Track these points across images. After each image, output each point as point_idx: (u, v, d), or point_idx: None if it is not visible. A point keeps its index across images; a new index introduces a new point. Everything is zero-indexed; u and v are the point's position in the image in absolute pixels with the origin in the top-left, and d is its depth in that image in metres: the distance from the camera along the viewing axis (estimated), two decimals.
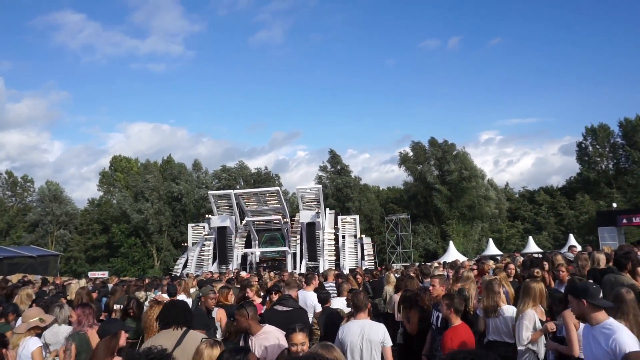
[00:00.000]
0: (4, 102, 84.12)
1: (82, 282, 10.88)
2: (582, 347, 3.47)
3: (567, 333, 4.15)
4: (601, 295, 3.14)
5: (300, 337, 2.50)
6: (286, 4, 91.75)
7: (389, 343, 4.48)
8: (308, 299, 7.15)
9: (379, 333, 4.44)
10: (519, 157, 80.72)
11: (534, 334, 4.69)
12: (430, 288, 5.89)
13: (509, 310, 5.20)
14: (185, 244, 37.91)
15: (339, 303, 6.79)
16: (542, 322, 4.82)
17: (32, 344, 4.50)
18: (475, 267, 9.85)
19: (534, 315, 4.77)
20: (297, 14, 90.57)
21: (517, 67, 79.89)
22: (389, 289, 9.49)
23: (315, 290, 7.50)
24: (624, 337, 2.97)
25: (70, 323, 5.25)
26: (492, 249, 35.87)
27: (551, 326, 4.67)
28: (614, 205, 40.32)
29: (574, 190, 50.47)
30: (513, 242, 46.25)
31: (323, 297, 6.59)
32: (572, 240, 33.29)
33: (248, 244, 34.73)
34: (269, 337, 3.89)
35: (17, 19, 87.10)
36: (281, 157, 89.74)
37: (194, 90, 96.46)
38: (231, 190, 36.61)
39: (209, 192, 37.92)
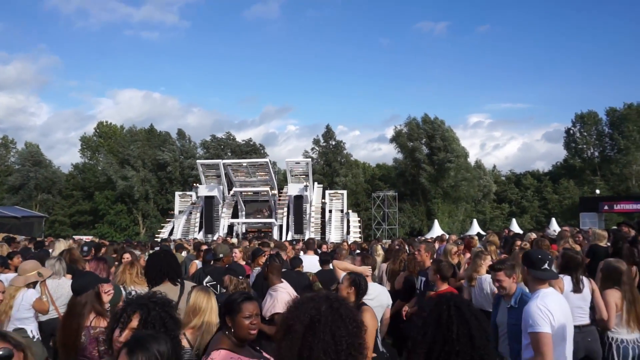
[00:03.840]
0: None
1: (70, 242, 10.80)
2: None
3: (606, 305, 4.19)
4: (545, 266, 3.20)
5: (252, 307, 2.49)
6: None
7: None
8: (311, 263, 7.38)
9: None
10: (506, 142, 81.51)
11: None
12: (416, 253, 5.99)
13: (487, 279, 5.28)
14: (172, 212, 37.85)
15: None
16: None
17: (30, 294, 4.48)
18: (459, 241, 10.03)
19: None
20: None
21: (508, 55, 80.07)
22: (377, 259, 9.66)
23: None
24: (531, 309, 2.98)
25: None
26: (475, 230, 36.43)
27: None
28: (597, 192, 41.11)
29: (559, 175, 51.25)
30: (496, 224, 47.01)
31: (324, 259, 6.87)
32: (554, 223, 33.94)
33: (235, 214, 34.76)
34: (282, 291, 4.27)
35: None
36: (271, 131, 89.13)
37: (187, 61, 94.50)
38: (220, 160, 36.40)
39: (198, 161, 37.66)
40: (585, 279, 4.24)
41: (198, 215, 34.89)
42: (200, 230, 33.71)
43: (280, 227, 33.89)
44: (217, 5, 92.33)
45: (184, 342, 2.78)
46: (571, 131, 52.06)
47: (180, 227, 34.40)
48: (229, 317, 2.53)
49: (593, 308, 4.17)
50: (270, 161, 39.38)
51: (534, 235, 8.74)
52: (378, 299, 4.42)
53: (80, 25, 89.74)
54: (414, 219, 47.76)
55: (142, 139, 52.90)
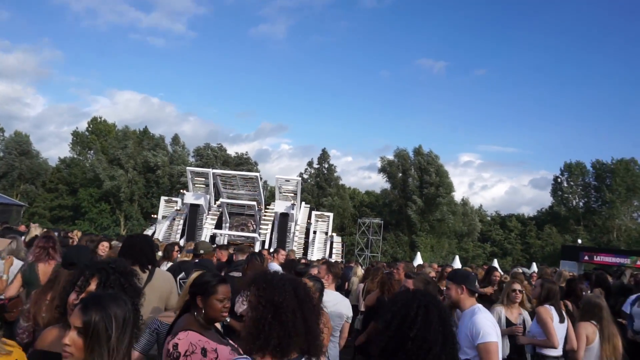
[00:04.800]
0: None
1: (43, 230, 10.56)
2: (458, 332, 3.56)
3: (545, 327, 4.25)
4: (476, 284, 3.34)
5: (226, 290, 2.46)
6: (292, 2, 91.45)
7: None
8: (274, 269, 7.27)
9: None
10: (494, 183, 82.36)
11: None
12: (394, 271, 5.98)
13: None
14: (155, 216, 37.36)
15: None
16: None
17: None
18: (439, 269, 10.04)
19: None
20: (302, 13, 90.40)
21: (503, 99, 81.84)
22: (355, 280, 9.62)
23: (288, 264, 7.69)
24: (481, 320, 3.02)
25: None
26: (457, 266, 36.47)
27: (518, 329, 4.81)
28: (579, 241, 41.53)
29: (543, 221, 51.76)
30: (478, 263, 47.09)
31: (299, 270, 6.77)
32: (534, 268, 34.12)
33: (218, 225, 34.39)
34: None
35: None
36: (264, 147, 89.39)
37: (189, 70, 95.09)
38: (210, 169, 36.23)
39: (187, 168, 37.41)
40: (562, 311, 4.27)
41: (181, 222, 34.45)
42: (181, 237, 33.22)
43: (263, 242, 33.55)
44: (225, 20, 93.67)
45: None
46: (559, 179, 52.94)
47: (162, 232, 33.90)
48: (201, 298, 2.47)
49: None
50: (260, 176, 39.31)
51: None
52: (337, 307, 4.47)
53: (88, 23, 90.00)
54: (397, 249, 47.75)
55: (135, 140, 52.63)
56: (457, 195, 51.82)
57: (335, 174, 53.98)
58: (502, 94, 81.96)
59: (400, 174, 50.25)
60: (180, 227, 34.24)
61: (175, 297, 3.46)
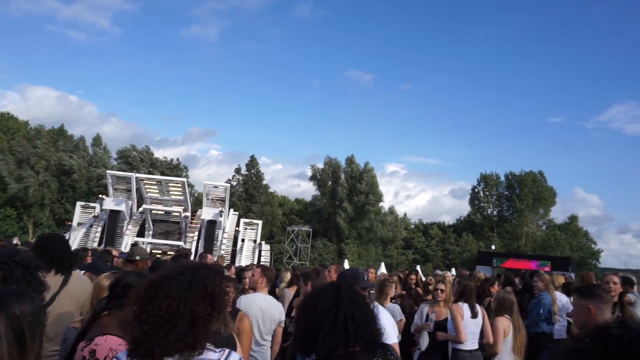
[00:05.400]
0: None
1: None
2: None
3: (454, 323, 4.50)
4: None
5: None
6: (225, 5, 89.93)
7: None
8: None
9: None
10: (417, 193, 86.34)
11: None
12: (326, 273, 6.05)
13: (394, 307, 5.55)
14: (70, 223, 34.75)
15: None
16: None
17: None
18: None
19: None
20: (235, 18, 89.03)
21: (426, 113, 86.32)
22: (283, 285, 9.60)
23: None
24: (381, 321, 3.22)
25: None
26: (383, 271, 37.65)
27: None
28: (493, 247, 44.65)
29: (462, 229, 55.02)
30: (401, 269, 48.96)
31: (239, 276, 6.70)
32: (453, 272, 36.09)
33: (141, 233, 32.74)
34: None
35: None
36: (192, 153, 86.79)
37: (112, 68, 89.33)
38: (133, 173, 34.49)
39: (108, 172, 35.26)
40: (478, 306, 4.56)
41: (99, 229, 32.35)
42: (99, 245, 31.19)
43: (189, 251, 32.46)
44: (154, 18, 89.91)
45: None
46: (476, 189, 56.67)
47: (77, 240, 31.51)
48: (122, 300, 2.33)
49: (482, 333, 4.47)
50: (187, 182, 38.05)
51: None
52: (270, 310, 4.48)
53: None
54: (325, 256, 48.30)
55: (49, 139, 48.73)
56: (384, 204, 53.73)
57: (264, 182, 53.68)
58: (425, 108, 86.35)
59: (330, 182, 51.09)
60: (98, 234, 32.09)
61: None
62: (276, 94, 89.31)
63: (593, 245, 52.65)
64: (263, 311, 4.35)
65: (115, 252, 7.86)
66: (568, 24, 76.91)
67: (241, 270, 7.41)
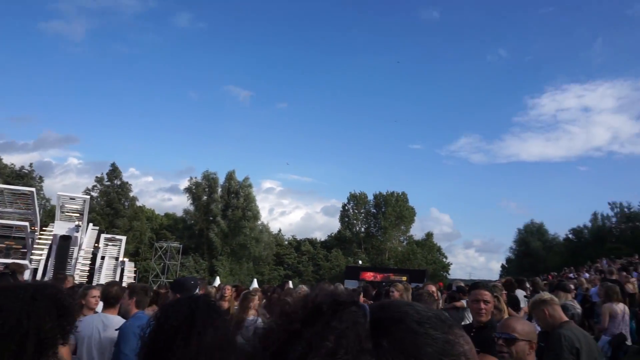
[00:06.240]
0: None
1: None
2: None
3: None
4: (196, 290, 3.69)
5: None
6: (96, 4, 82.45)
7: None
8: None
9: None
10: (292, 210, 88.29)
11: None
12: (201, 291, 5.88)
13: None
14: None
15: None
16: None
17: None
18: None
19: None
20: (106, 18, 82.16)
21: (301, 131, 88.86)
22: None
23: None
24: None
25: None
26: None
27: None
28: (360, 262, 47.40)
29: (332, 245, 57.45)
30: (273, 285, 49.24)
31: None
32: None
33: None
34: None
35: None
36: (46, 160, 77.16)
37: None
38: None
39: None
40: None
41: None
42: None
43: (35, 270, 28.63)
44: (6, 3, 78.97)
45: None
46: (346, 207, 59.86)
47: None
48: None
49: None
50: (40, 193, 33.78)
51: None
52: (108, 333, 4.18)
53: None
54: (195, 274, 46.44)
55: None
56: (260, 221, 53.74)
57: (131, 194, 50.02)
58: (301, 128, 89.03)
59: (206, 197, 49.66)
60: None
61: None
62: (149, 102, 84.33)
63: (444, 259, 58.91)
64: (101, 334, 4.03)
65: None
66: (431, 63, 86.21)
67: (86, 289, 6.76)
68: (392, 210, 56.90)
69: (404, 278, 29.28)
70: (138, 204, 50.91)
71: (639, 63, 76.70)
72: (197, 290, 3.28)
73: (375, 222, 58.31)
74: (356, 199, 59.57)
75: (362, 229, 59.24)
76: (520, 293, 8.65)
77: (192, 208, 50.69)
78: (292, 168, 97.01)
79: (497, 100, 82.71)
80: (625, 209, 47.79)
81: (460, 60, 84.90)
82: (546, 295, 3.68)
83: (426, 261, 53.20)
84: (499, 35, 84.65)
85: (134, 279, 33.10)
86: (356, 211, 59.53)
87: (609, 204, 49.61)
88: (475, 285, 3.65)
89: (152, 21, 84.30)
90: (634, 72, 75.83)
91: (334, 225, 67.11)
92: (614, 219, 48.46)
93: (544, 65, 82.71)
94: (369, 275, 37.38)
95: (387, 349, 0.60)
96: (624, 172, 71.43)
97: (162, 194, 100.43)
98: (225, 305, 7.67)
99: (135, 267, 35.36)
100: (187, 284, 3.35)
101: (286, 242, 59.85)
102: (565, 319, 3.46)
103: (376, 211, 58.70)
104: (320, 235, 71.48)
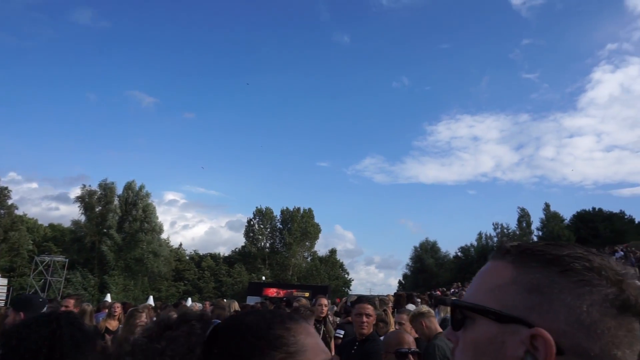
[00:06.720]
0: None
1: None
2: None
3: None
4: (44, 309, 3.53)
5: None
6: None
7: None
8: None
9: None
10: (195, 223, 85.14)
11: None
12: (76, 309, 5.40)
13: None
14: None
15: None
16: None
17: None
18: None
19: None
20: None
21: (207, 142, 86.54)
22: None
23: None
24: None
25: None
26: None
27: None
28: (263, 278, 46.91)
29: (235, 260, 56.26)
30: (171, 301, 46.77)
31: None
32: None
33: None
34: None
35: None
36: None
37: None
38: None
39: None
40: None
41: None
42: None
43: None
44: None
45: None
46: (252, 222, 59.12)
47: None
48: None
49: None
50: None
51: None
52: None
53: None
54: (82, 291, 42.57)
55: None
56: (160, 234, 51.01)
57: (9, 201, 44.72)
58: (208, 140, 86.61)
59: (100, 207, 46.02)
60: None
61: None
62: (36, 100, 76.51)
63: (346, 275, 60.52)
64: None
65: None
66: (340, 85, 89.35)
67: None
68: (298, 226, 57.38)
69: (307, 294, 29.47)
70: (17, 212, 45.68)
71: (517, 101, 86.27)
72: (44, 310, 2.95)
73: (280, 238, 58.26)
74: (262, 214, 59.17)
75: (267, 245, 58.85)
76: (411, 307, 9.24)
77: (83, 219, 46.63)
78: (198, 180, 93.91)
79: (400, 125, 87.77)
80: (505, 229, 53.37)
81: (368, 85, 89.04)
82: (424, 308, 3.93)
83: (329, 277, 54.21)
84: (403, 64, 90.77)
85: (6, 298, 29.41)
86: (262, 226, 59.06)
87: (493, 224, 55.26)
88: (358, 300, 3.80)
89: (47, 14, 77.32)
90: (514, 108, 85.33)
91: (239, 240, 65.99)
92: (495, 239, 53.65)
93: (441, 96, 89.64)
94: (272, 291, 37.09)
95: (216, 355, 0.70)
96: (505, 197, 79.48)
97: (48, 202, 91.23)
98: (115, 324, 7.37)
99: (8, 285, 31.46)
100: (35, 300, 3.00)
101: (187, 257, 57.44)
102: (440, 330, 3.73)
103: (282, 227, 58.76)
104: (225, 250, 69.90)
